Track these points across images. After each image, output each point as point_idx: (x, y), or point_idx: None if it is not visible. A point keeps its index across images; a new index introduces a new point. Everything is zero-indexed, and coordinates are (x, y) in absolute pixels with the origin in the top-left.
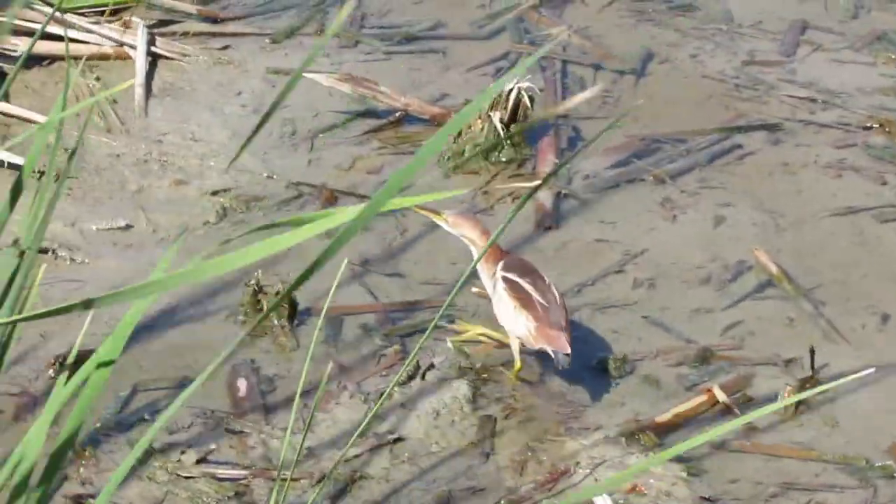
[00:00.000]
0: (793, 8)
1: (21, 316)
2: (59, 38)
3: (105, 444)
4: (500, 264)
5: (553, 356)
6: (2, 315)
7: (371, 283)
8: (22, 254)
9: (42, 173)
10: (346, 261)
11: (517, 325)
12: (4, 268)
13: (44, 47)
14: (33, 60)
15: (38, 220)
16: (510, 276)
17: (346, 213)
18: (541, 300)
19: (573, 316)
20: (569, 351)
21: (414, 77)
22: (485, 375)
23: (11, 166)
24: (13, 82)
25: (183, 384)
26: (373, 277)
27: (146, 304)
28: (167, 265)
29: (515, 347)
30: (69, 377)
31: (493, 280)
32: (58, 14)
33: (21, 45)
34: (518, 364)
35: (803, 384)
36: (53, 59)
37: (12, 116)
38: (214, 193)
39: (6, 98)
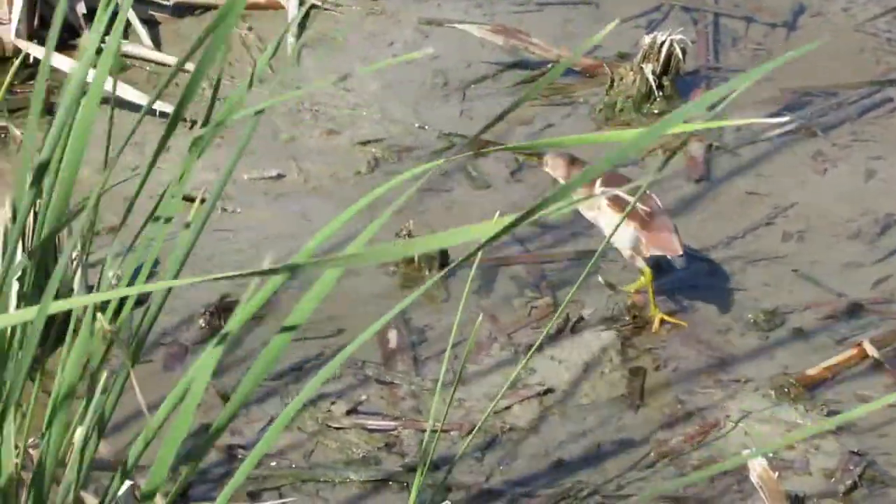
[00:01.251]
0: None
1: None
2: None
3: (255, 394)
4: (598, 182)
5: (670, 259)
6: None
7: (522, 233)
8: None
9: (194, 123)
10: (497, 213)
11: (627, 238)
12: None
13: None
14: (185, 9)
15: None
16: (609, 190)
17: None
18: (644, 207)
19: (725, 267)
20: (681, 252)
21: (566, 28)
22: (635, 327)
23: (164, 115)
24: (166, 31)
25: (334, 336)
26: (524, 228)
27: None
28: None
29: (638, 263)
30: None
31: (593, 201)
32: None
33: None
34: (647, 271)
35: None
36: (205, 7)
37: (165, 65)
38: (365, 143)
39: (158, 46)
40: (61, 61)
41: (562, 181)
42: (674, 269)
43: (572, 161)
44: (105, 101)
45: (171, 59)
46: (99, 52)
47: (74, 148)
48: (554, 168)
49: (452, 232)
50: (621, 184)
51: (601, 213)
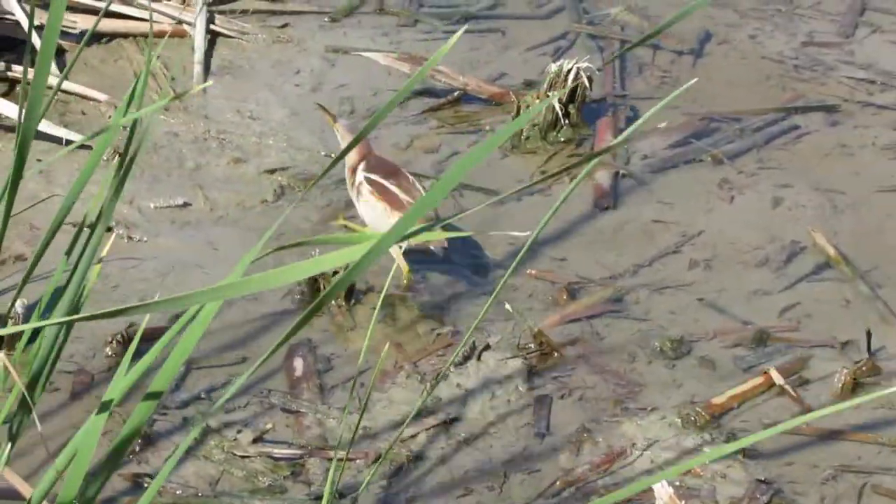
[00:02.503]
0: None
1: (80, 316)
2: (117, 16)
3: (160, 422)
4: (362, 164)
5: (433, 249)
6: (66, 297)
7: (428, 260)
8: (91, 230)
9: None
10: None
11: (384, 227)
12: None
13: (102, 24)
14: (91, 38)
15: (108, 199)
16: (373, 177)
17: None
18: (409, 199)
19: (628, 295)
20: (446, 245)
21: (473, 56)
22: (541, 354)
23: (70, 143)
24: (70, 58)
25: (239, 363)
26: (429, 257)
27: (215, 308)
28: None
29: (396, 253)
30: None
31: (353, 180)
32: None
33: (80, 23)
34: (405, 268)
35: (859, 366)
36: (111, 36)
37: (71, 94)
38: (272, 172)
39: (63, 73)
40: None
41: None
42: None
43: (367, 149)
44: (10, 129)
45: (78, 88)
46: (7, 80)
47: None
48: (343, 138)
49: (324, 258)
50: (387, 170)
51: (362, 198)
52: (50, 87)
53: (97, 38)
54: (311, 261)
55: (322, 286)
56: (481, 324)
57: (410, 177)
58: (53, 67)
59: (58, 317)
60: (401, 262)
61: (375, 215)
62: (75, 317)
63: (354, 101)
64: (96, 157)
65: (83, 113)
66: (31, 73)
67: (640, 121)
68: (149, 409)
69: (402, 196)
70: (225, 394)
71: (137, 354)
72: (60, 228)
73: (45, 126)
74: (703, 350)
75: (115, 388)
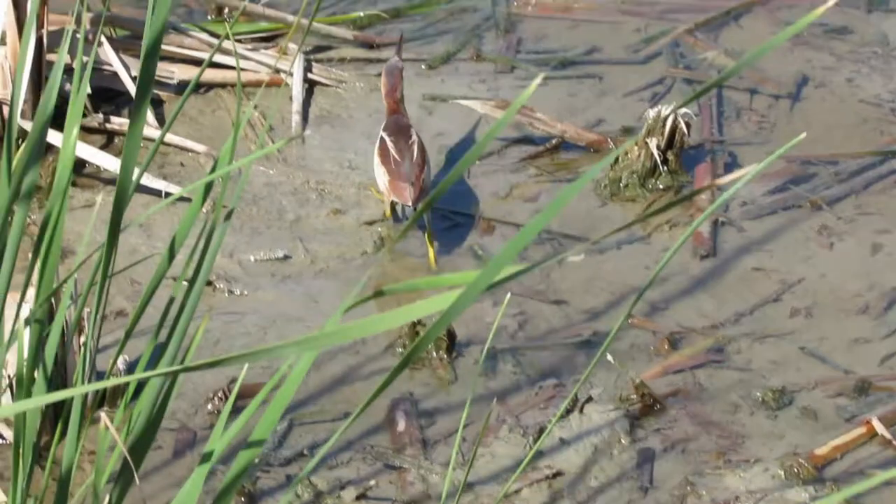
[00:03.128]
0: None
1: (184, 367)
2: (215, 65)
3: (264, 479)
4: (383, 124)
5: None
6: (168, 352)
7: (528, 311)
8: (191, 285)
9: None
10: (508, 295)
11: (378, 179)
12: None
13: (194, 73)
14: (187, 87)
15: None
16: (383, 134)
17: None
18: (396, 156)
19: (729, 345)
20: (410, 203)
21: (570, 103)
22: (644, 406)
23: (169, 195)
24: (170, 110)
25: (341, 419)
26: (530, 305)
27: (314, 356)
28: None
29: (385, 200)
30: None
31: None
32: (216, 41)
33: (178, 73)
34: (387, 212)
35: None
36: (209, 86)
37: (170, 145)
38: (372, 223)
39: (162, 125)
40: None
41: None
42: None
43: (387, 78)
44: (110, 181)
45: (176, 139)
46: (106, 132)
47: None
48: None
49: (422, 302)
50: (402, 131)
51: (374, 159)
52: (151, 140)
53: (195, 88)
54: (408, 306)
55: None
56: (583, 374)
57: (414, 137)
58: (153, 119)
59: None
60: (386, 207)
61: (378, 179)
62: (179, 367)
63: (452, 149)
64: (195, 210)
65: (182, 164)
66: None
67: (748, 174)
68: (249, 460)
69: (392, 152)
70: (325, 449)
71: (239, 410)
72: (161, 282)
73: (144, 178)
74: (805, 400)
75: (214, 443)
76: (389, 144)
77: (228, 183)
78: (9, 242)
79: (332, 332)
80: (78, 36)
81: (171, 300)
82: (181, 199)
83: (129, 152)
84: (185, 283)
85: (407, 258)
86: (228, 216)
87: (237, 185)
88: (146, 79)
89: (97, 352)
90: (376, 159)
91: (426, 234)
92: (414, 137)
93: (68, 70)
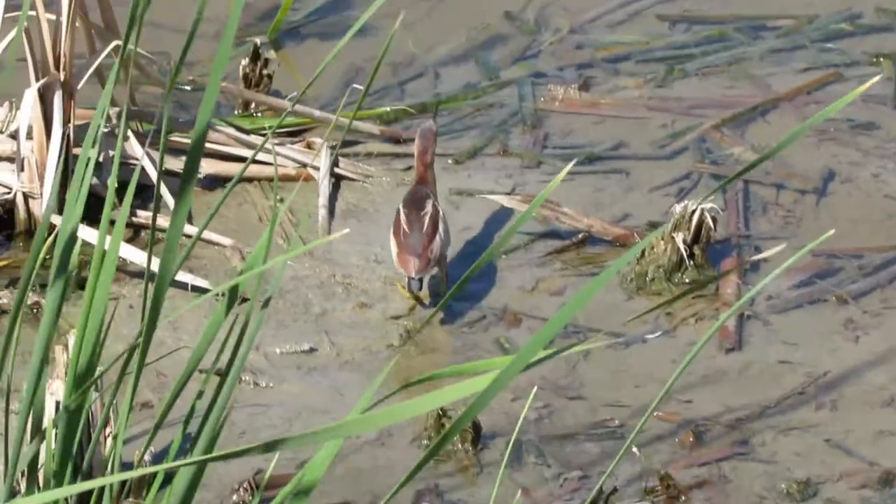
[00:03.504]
0: None
1: (211, 456)
2: (240, 159)
3: None
4: (405, 193)
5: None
6: (196, 444)
7: (553, 404)
8: (222, 379)
9: (223, 295)
10: (535, 388)
11: (391, 251)
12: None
13: (225, 168)
14: (215, 181)
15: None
16: (399, 206)
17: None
18: (406, 228)
19: (754, 437)
20: (413, 275)
21: (597, 197)
22: (668, 497)
23: (195, 289)
24: (197, 203)
25: None
26: (555, 398)
27: (339, 445)
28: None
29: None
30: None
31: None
32: (243, 136)
33: (205, 167)
34: (399, 289)
35: None
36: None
37: (190, 236)
38: (398, 317)
39: (189, 220)
40: (92, 235)
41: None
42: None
43: (419, 140)
44: (137, 275)
45: (207, 234)
46: (132, 225)
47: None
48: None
49: (446, 390)
50: (417, 203)
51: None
52: (186, 235)
53: (220, 182)
54: (431, 394)
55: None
56: (607, 466)
57: (427, 209)
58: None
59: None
60: (403, 292)
61: (391, 251)
62: (206, 457)
63: (479, 243)
64: (226, 307)
65: (207, 258)
66: (160, 220)
67: (777, 271)
68: None
69: (403, 224)
70: None
71: (265, 501)
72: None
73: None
74: (830, 492)
75: None
76: (402, 217)
77: (256, 276)
78: (40, 336)
79: (357, 420)
80: (105, 131)
81: (200, 393)
82: (205, 290)
83: (168, 251)
84: (215, 376)
85: (433, 353)
86: (266, 303)
87: (270, 283)
88: (188, 178)
89: (124, 442)
90: (390, 232)
91: (441, 286)
92: (427, 209)
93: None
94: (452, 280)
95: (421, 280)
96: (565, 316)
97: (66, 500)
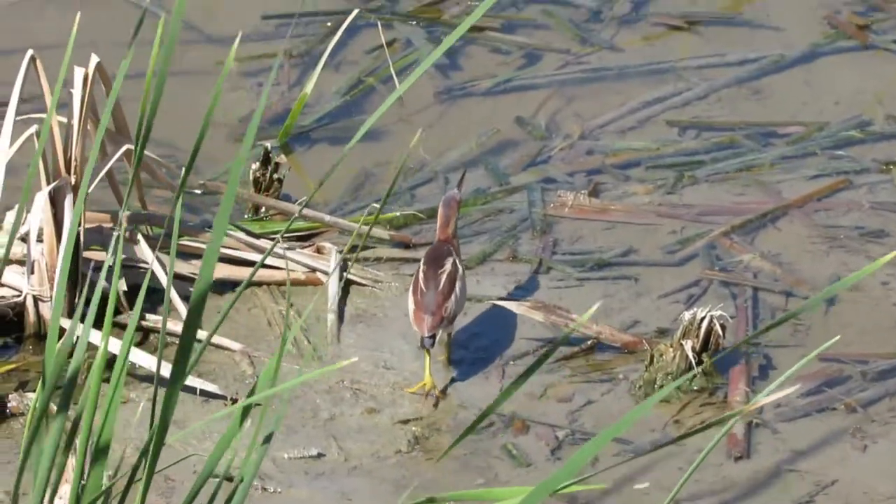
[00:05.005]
0: None
1: None
2: (249, 263)
3: None
4: (425, 251)
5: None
6: None
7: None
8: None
9: (234, 400)
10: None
11: (408, 309)
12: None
13: (234, 273)
14: (224, 286)
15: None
16: (420, 263)
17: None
18: (423, 286)
19: None
20: (425, 334)
21: (606, 304)
22: None
23: (204, 393)
24: (206, 307)
25: None
26: None
27: None
28: None
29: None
30: None
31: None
32: (252, 240)
33: (215, 271)
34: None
35: None
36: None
37: (200, 341)
38: (406, 422)
39: None
40: (98, 338)
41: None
42: None
43: (443, 209)
44: (145, 378)
45: (215, 338)
46: (141, 329)
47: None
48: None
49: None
50: (437, 260)
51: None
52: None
53: (230, 285)
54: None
55: None
56: None
57: (446, 267)
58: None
59: None
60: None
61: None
62: None
63: (488, 349)
64: (239, 420)
65: (216, 362)
66: (169, 323)
67: (784, 377)
68: None
69: (420, 283)
70: None
71: None
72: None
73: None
74: None
75: None
76: (420, 274)
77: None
78: (47, 445)
79: None
80: (115, 234)
81: (212, 498)
82: (214, 396)
83: (180, 361)
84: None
85: (441, 459)
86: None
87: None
88: (202, 290)
89: None
90: (409, 290)
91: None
92: (446, 267)
93: (99, 267)
94: (460, 388)
95: (433, 337)
96: (604, 439)
97: None
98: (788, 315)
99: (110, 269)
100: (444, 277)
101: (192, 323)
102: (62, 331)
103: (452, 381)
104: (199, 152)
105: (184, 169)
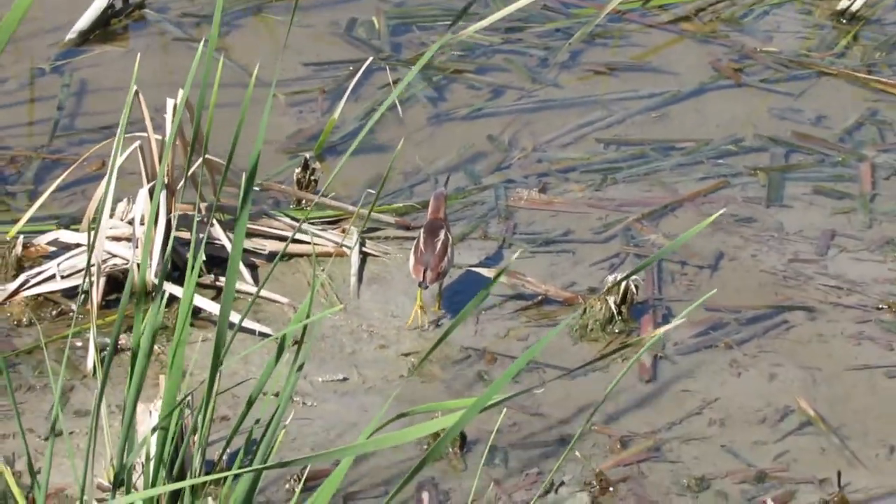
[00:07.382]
0: (825, 221)
1: (269, 465)
2: (294, 241)
3: None
4: (423, 225)
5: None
6: (260, 449)
7: (518, 420)
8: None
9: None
10: (504, 410)
11: (409, 263)
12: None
13: (281, 246)
14: (274, 256)
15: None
16: (420, 231)
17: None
18: (422, 248)
19: (664, 445)
20: (421, 281)
21: (551, 270)
22: (601, 488)
23: (261, 334)
24: (262, 272)
25: (383, 495)
26: (520, 416)
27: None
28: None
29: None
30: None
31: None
32: (296, 224)
33: (268, 246)
34: (418, 295)
35: (833, 498)
36: (290, 255)
37: (262, 298)
38: (407, 355)
39: (257, 283)
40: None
41: (432, 209)
42: None
43: (432, 202)
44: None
45: (266, 293)
46: (215, 287)
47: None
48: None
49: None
50: (433, 231)
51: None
52: (249, 294)
53: (282, 256)
54: (420, 425)
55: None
56: (558, 466)
57: (441, 237)
58: (250, 279)
59: (255, 463)
60: (417, 309)
61: (409, 264)
62: (264, 465)
63: (466, 302)
64: (282, 349)
65: (269, 311)
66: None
67: (676, 320)
68: None
69: (420, 245)
70: None
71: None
72: (257, 399)
73: (246, 322)
74: (719, 486)
75: None
76: (420, 239)
77: (302, 326)
78: (137, 367)
79: (369, 442)
80: (197, 218)
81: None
82: (268, 335)
83: (225, 305)
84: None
85: (432, 382)
86: (307, 353)
87: (312, 330)
88: (236, 258)
89: (207, 445)
90: (412, 249)
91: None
92: (441, 236)
93: (188, 243)
94: (451, 336)
95: (427, 286)
96: (526, 358)
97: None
98: (648, 261)
99: (195, 244)
100: (439, 243)
101: (230, 280)
102: (158, 288)
103: (440, 324)
104: (258, 161)
105: (245, 173)
